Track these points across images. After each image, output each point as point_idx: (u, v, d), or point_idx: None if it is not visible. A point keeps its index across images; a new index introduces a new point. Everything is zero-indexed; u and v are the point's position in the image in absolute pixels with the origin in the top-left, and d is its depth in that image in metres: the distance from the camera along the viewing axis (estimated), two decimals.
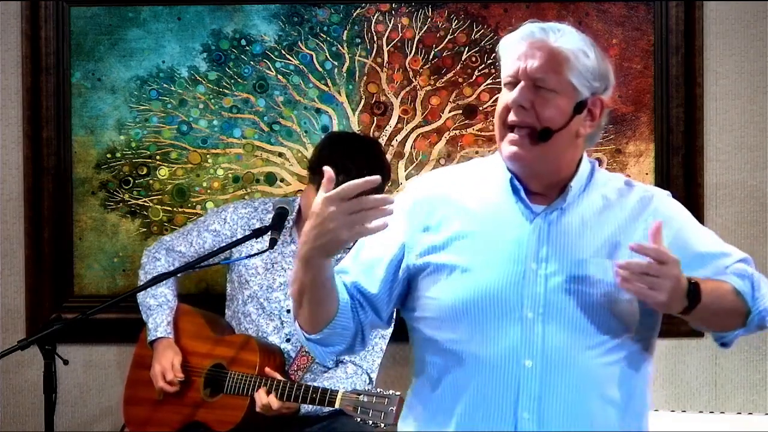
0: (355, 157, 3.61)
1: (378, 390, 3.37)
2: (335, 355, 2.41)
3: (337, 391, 3.46)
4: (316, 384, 3.65)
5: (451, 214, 2.39)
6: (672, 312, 2.28)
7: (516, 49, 2.37)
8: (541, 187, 2.39)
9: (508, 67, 2.38)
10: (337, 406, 3.45)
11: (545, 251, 2.33)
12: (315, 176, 3.68)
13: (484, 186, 2.42)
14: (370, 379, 3.76)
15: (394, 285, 2.40)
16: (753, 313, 2.35)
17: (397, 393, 3.28)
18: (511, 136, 2.35)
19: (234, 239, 3.76)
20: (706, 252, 2.40)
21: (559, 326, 2.30)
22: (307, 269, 2.25)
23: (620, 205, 2.41)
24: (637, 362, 2.37)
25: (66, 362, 3.44)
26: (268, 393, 3.58)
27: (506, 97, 2.37)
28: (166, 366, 3.71)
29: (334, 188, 3.28)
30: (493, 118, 4.10)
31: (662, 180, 4.13)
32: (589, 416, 2.31)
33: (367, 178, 2.19)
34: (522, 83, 2.34)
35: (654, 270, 2.22)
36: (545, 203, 2.38)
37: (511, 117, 2.35)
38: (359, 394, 3.40)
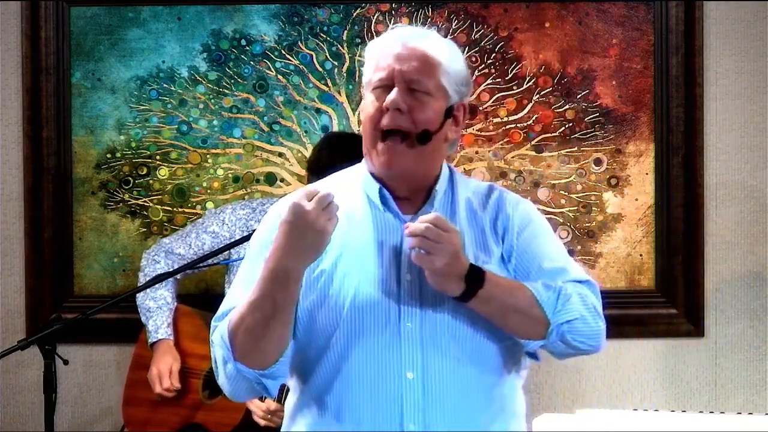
0: (354, 158, 3.60)
1: None
2: (280, 386, 2.35)
3: None
4: None
5: None
6: (451, 292, 2.26)
7: (388, 52, 2.36)
8: (408, 191, 2.38)
9: (378, 71, 2.36)
10: None
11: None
12: (313, 177, 3.68)
13: (349, 199, 2.39)
14: None
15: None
16: (552, 326, 2.31)
17: None
18: (383, 145, 2.33)
19: (233, 240, 3.76)
20: (545, 267, 2.38)
21: (437, 336, 2.30)
22: (287, 285, 2.22)
23: (482, 211, 2.41)
24: (509, 369, 2.38)
25: (66, 362, 3.44)
26: (263, 398, 3.58)
27: (377, 101, 2.34)
28: (164, 372, 3.71)
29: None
30: (492, 118, 4.12)
31: (662, 180, 4.13)
32: (473, 422, 2.31)
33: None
34: (397, 86, 2.32)
35: (432, 233, 2.22)
36: (412, 210, 2.38)
37: (386, 120, 2.32)
38: None
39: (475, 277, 2.26)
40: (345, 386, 2.30)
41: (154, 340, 3.78)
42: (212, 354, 2.35)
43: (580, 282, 2.39)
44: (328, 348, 2.31)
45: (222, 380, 2.34)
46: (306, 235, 2.20)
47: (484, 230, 2.39)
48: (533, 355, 2.41)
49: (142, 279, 3.85)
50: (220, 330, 2.31)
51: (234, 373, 2.29)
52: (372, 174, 2.40)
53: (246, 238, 3.69)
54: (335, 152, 3.66)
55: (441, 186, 2.40)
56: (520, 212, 2.42)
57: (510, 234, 2.39)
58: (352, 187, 2.42)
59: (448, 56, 2.36)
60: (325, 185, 2.41)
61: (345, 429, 2.30)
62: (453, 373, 2.30)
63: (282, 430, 2.44)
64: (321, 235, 2.20)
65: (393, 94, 2.32)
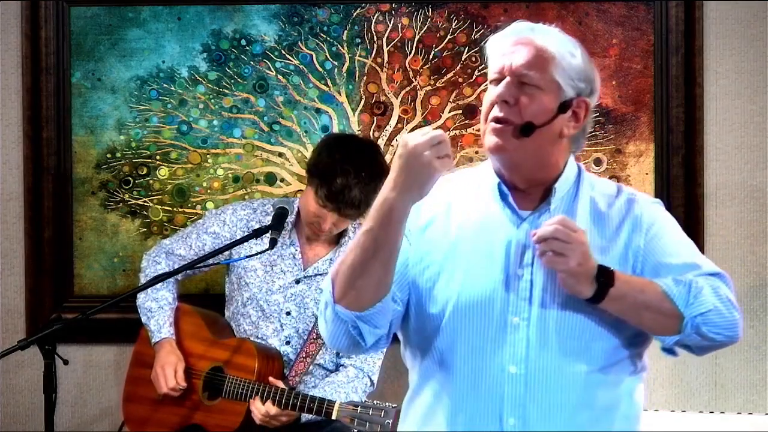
0: (354, 160, 3.61)
1: (375, 402, 3.37)
2: (376, 339, 2.35)
3: (335, 402, 3.46)
4: (317, 389, 3.64)
5: (440, 221, 2.39)
6: (583, 295, 2.26)
7: (502, 46, 2.38)
8: (525, 183, 2.38)
9: (494, 65, 2.38)
10: (334, 417, 3.45)
11: (531, 256, 2.32)
12: (313, 178, 3.68)
13: (470, 194, 2.42)
14: (372, 381, 3.75)
15: (405, 284, 2.38)
16: (686, 319, 2.31)
17: (394, 405, 3.29)
18: (492, 125, 2.34)
19: (233, 240, 3.76)
20: (674, 263, 2.37)
21: (545, 332, 2.30)
22: (389, 221, 2.22)
23: (608, 211, 2.41)
24: (623, 370, 2.37)
25: (66, 362, 3.44)
26: (264, 401, 3.57)
27: (491, 93, 2.37)
28: (169, 372, 3.71)
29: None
30: None
31: (662, 180, 4.13)
32: (575, 422, 2.31)
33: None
34: (507, 79, 2.34)
35: (561, 234, 2.23)
36: (531, 207, 2.38)
37: (495, 112, 2.34)
38: (356, 406, 3.40)
39: (604, 276, 2.26)
40: (450, 377, 2.33)
41: (158, 339, 3.77)
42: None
43: (711, 275, 2.38)
44: (437, 338, 2.34)
45: (321, 326, 2.36)
46: (412, 168, 2.19)
47: (606, 230, 2.38)
48: (671, 351, 2.39)
49: (143, 280, 3.83)
50: (326, 277, 2.34)
51: (332, 316, 2.31)
52: (495, 171, 2.41)
53: (246, 238, 3.69)
54: (335, 154, 3.66)
55: (562, 184, 2.39)
56: (648, 212, 2.42)
57: (638, 234, 2.38)
58: (477, 182, 2.44)
59: (564, 51, 2.36)
60: (451, 178, 2.45)
61: (447, 419, 2.33)
62: (557, 369, 2.30)
63: (403, 413, 2.46)
64: (427, 170, 2.19)
65: (501, 87, 2.34)
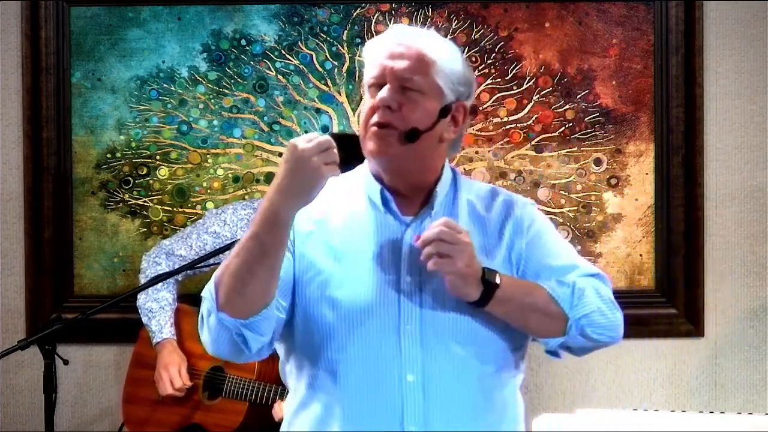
0: (354, 158, 3.59)
1: None
2: (260, 347, 2.30)
3: None
4: None
5: (324, 228, 2.36)
6: (470, 297, 2.26)
7: (383, 51, 2.35)
8: (407, 187, 2.37)
9: (372, 69, 2.35)
10: None
11: (418, 262, 2.29)
12: None
13: (352, 200, 2.40)
14: None
15: (289, 291, 2.34)
16: (571, 320, 2.32)
17: None
18: (374, 130, 2.31)
19: (234, 240, 3.76)
20: (555, 265, 2.38)
21: (438, 338, 2.29)
22: (275, 226, 2.18)
23: (487, 214, 2.40)
24: (510, 371, 2.38)
25: (66, 362, 3.44)
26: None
27: (369, 99, 2.34)
28: (174, 372, 3.71)
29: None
30: (492, 118, 4.12)
31: (662, 180, 4.13)
32: (476, 425, 2.30)
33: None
34: (389, 84, 2.31)
35: (447, 235, 2.22)
36: (412, 211, 2.37)
37: (376, 118, 2.31)
38: None
39: (490, 278, 2.26)
40: (344, 388, 2.29)
41: (159, 340, 3.77)
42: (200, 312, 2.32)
43: (591, 275, 2.40)
44: (327, 348, 2.30)
45: (204, 335, 2.32)
46: (299, 173, 2.17)
47: (486, 232, 2.38)
48: (555, 354, 2.40)
49: (143, 281, 3.84)
50: (208, 285, 2.29)
51: (215, 323, 2.26)
52: (374, 176, 2.39)
53: None
54: (340, 153, 3.65)
55: (442, 187, 2.39)
56: (526, 214, 2.42)
57: (519, 237, 2.38)
58: (354, 188, 2.42)
59: (445, 55, 2.34)
60: (330, 184, 2.40)
61: (345, 430, 2.29)
62: (454, 375, 2.29)
63: (282, 430, 2.43)
64: (314, 175, 2.17)
65: (383, 92, 2.31)
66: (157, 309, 3.79)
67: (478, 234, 2.37)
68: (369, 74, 2.36)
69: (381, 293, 2.30)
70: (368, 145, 2.33)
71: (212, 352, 2.33)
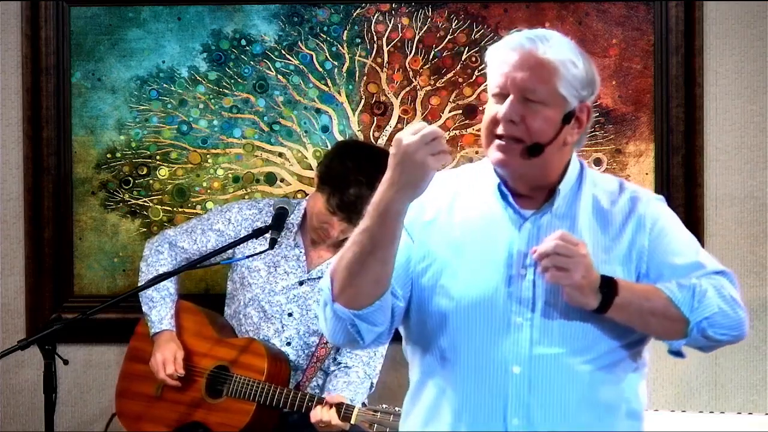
0: (367, 169, 3.56)
1: (396, 408, 3.36)
2: (375, 336, 2.33)
3: (353, 407, 3.46)
4: (336, 391, 3.63)
5: (444, 218, 2.38)
6: (588, 306, 2.26)
7: (504, 59, 2.34)
8: (528, 189, 2.38)
9: (495, 79, 2.34)
10: (352, 421, 3.44)
11: (533, 257, 2.30)
12: (324, 186, 3.64)
13: (473, 192, 2.41)
14: (373, 384, 3.76)
15: (407, 280, 2.37)
16: (691, 323, 2.32)
17: None
18: (499, 142, 2.32)
19: (236, 240, 3.75)
20: (678, 263, 2.37)
21: (548, 332, 2.30)
22: (386, 219, 2.20)
23: (611, 209, 2.40)
24: (624, 368, 2.36)
25: (66, 362, 3.44)
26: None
27: (494, 109, 2.34)
28: (168, 358, 3.70)
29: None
30: None
31: (662, 180, 4.13)
32: (579, 421, 2.31)
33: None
34: (511, 96, 2.31)
35: (562, 249, 2.22)
36: (534, 207, 2.37)
37: (500, 131, 2.32)
38: (376, 412, 3.40)
39: (608, 286, 2.26)
40: (453, 376, 2.32)
41: (158, 330, 3.77)
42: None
43: (716, 273, 2.39)
44: (439, 337, 2.33)
45: (321, 324, 2.36)
46: (405, 167, 2.17)
47: (608, 227, 2.37)
48: (678, 353, 2.39)
49: (144, 268, 3.84)
50: (325, 275, 2.32)
51: (331, 314, 2.30)
52: (495, 171, 2.39)
53: (247, 238, 3.69)
54: (347, 162, 3.63)
55: (565, 185, 2.38)
56: (650, 210, 2.41)
57: (641, 233, 2.37)
58: (478, 179, 2.42)
59: (566, 61, 2.33)
60: (451, 174, 2.44)
61: (450, 418, 2.31)
62: (560, 369, 2.29)
63: (404, 411, 2.45)
64: (420, 169, 2.16)
65: (506, 106, 2.31)
66: (158, 299, 3.78)
67: (600, 229, 2.37)
68: (492, 82, 2.35)
69: (494, 286, 2.31)
70: (492, 155, 2.34)
71: (330, 341, 2.37)
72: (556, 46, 2.34)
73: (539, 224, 2.35)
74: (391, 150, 2.20)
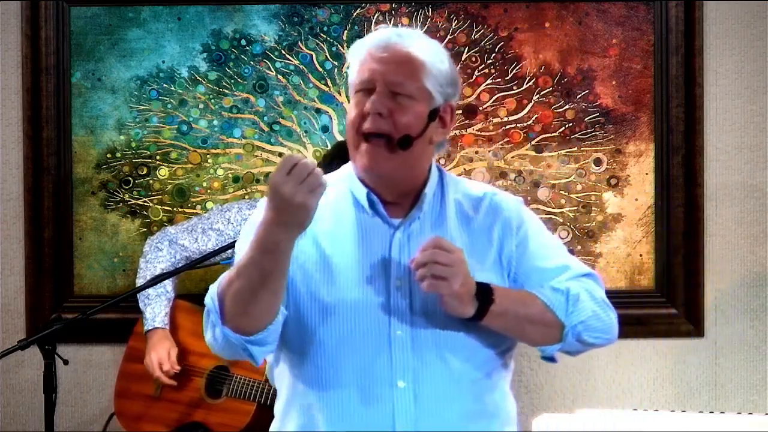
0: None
1: None
2: (267, 354, 2.31)
3: None
4: None
5: (310, 234, 2.31)
6: (465, 314, 2.24)
7: (370, 54, 2.33)
8: (396, 196, 2.35)
9: (361, 73, 2.33)
10: None
11: (407, 267, 2.27)
12: None
13: (338, 203, 2.37)
14: None
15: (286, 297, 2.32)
16: (567, 328, 2.31)
17: None
18: (366, 146, 2.29)
19: (236, 239, 3.75)
20: (545, 266, 2.36)
21: (428, 343, 2.27)
22: (275, 255, 2.15)
23: (475, 215, 2.38)
24: (500, 375, 2.36)
25: (66, 362, 3.44)
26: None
27: (360, 104, 2.32)
28: (163, 356, 3.71)
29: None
30: (492, 118, 4.12)
31: (662, 180, 4.13)
32: (467, 429, 2.29)
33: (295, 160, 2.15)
34: (378, 89, 2.30)
35: (443, 257, 2.20)
36: (401, 214, 2.34)
37: (367, 125, 2.29)
38: None
39: (484, 293, 2.25)
40: (335, 393, 2.28)
41: (151, 327, 3.77)
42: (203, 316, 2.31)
43: (583, 276, 2.38)
44: (316, 353, 2.29)
45: (209, 340, 2.31)
46: (287, 210, 2.13)
47: (475, 234, 2.36)
48: (551, 359, 2.39)
49: (143, 265, 3.84)
50: (210, 293, 2.28)
51: (221, 336, 2.26)
52: (360, 178, 2.36)
53: None
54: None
55: (430, 189, 2.36)
56: (515, 214, 2.40)
57: (509, 238, 2.36)
58: (341, 189, 2.39)
59: (433, 57, 2.32)
60: None
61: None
62: (445, 381, 2.28)
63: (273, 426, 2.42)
64: (302, 211, 2.13)
65: (373, 99, 2.29)
66: (154, 296, 3.79)
67: (468, 236, 2.35)
68: (357, 78, 2.34)
69: (370, 298, 2.28)
70: (359, 160, 2.31)
71: (218, 354, 2.33)
72: (422, 43, 2.33)
73: (409, 232, 2.33)
74: (268, 193, 2.15)
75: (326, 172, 3.59)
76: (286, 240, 2.17)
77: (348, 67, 4.11)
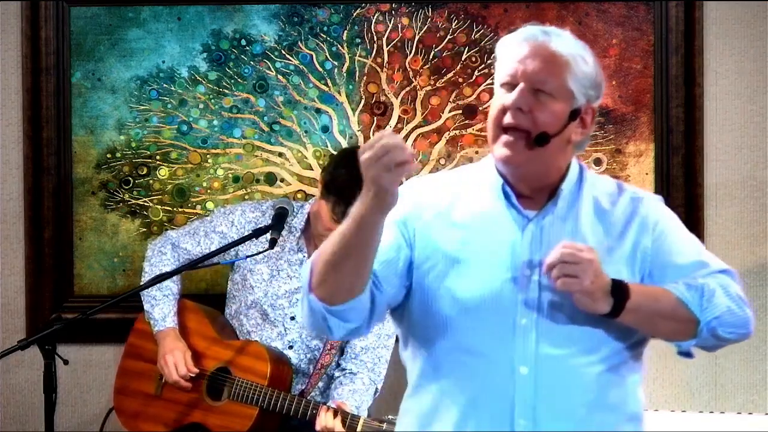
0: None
1: None
2: (347, 332, 2.34)
3: (359, 417, 3.45)
4: (340, 396, 3.63)
5: (445, 220, 2.37)
6: (600, 310, 2.26)
7: (516, 50, 2.35)
8: (530, 190, 2.37)
9: (506, 68, 2.36)
10: (358, 431, 3.43)
11: (538, 257, 2.31)
12: (330, 195, 3.60)
13: (475, 191, 2.40)
14: (377, 390, 3.75)
15: (400, 273, 2.35)
16: (701, 323, 2.32)
17: None
18: (505, 137, 2.32)
19: (237, 240, 3.74)
20: (682, 263, 2.37)
21: (553, 333, 2.29)
22: (360, 229, 2.19)
23: (611, 210, 2.40)
24: (628, 369, 2.36)
25: (66, 362, 3.44)
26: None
27: (502, 98, 2.34)
28: (179, 359, 3.69)
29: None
30: None
31: (662, 180, 4.13)
32: (586, 422, 2.30)
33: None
34: (521, 85, 2.32)
35: (569, 256, 2.22)
36: (536, 208, 2.37)
37: (508, 119, 2.32)
38: (382, 422, 3.39)
39: (619, 289, 2.26)
40: (456, 376, 2.31)
41: (162, 328, 3.75)
42: None
43: (720, 272, 2.39)
44: (443, 337, 2.32)
45: (299, 310, 2.39)
46: (366, 183, 2.17)
47: (610, 229, 2.37)
48: (688, 354, 2.40)
49: (147, 269, 3.82)
50: (306, 263, 2.33)
51: (306, 304, 2.30)
52: (498, 170, 2.39)
53: (246, 238, 3.69)
54: (354, 170, 3.59)
55: (567, 185, 2.38)
56: (652, 211, 2.41)
57: (645, 235, 2.37)
58: (480, 179, 2.41)
59: (577, 57, 2.34)
60: (454, 174, 2.44)
61: (455, 419, 2.30)
62: (566, 370, 2.29)
63: (400, 414, 2.43)
64: (376, 185, 2.16)
65: (515, 94, 2.31)
66: (161, 297, 3.78)
67: (603, 230, 2.37)
68: (502, 72, 2.36)
69: (498, 287, 2.30)
70: (497, 151, 2.33)
71: (306, 326, 2.37)
72: (568, 42, 2.36)
73: (542, 225, 2.35)
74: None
75: (333, 178, 3.61)
76: (369, 215, 2.19)
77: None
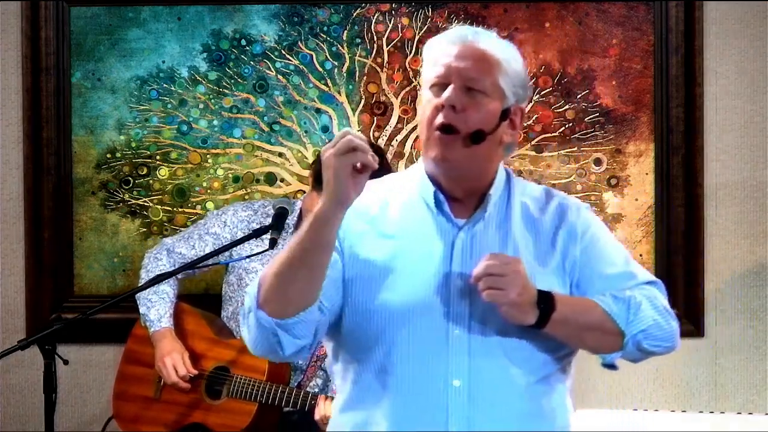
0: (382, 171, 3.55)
1: None
2: (297, 349, 2.30)
3: None
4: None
5: (375, 229, 2.34)
6: (527, 322, 2.24)
7: (446, 50, 2.34)
8: (462, 192, 2.35)
9: (436, 69, 2.34)
10: None
11: (469, 267, 2.28)
12: (319, 185, 3.61)
13: (405, 200, 2.38)
14: None
15: (338, 287, 2.32)
16: (627, 336, 2.31)
17: None
18: (439, 135, 2.30)
19: (233, 242, 3.74)
20: (609, 273, 2.36)
21: (486, 343, 2.28)
22: (316, 227, 2.18)
23: (541, 218, 2.38)
24: (556, 379, 2.36)
25: (66, 362, 3.43)
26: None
27: (432, 98, 2.33)
28: (177, 360, 3.69)
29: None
30: None
31: (662, 180, 4.14)
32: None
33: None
34: (453, 84, 2.30)
35: (495, 268, 2.21)
36: (466, 214, 2.35)
37: (440, 118, 2.30)
38: None
39: (545, 301, 2.25)
40: (390, 389, 2.29)
41: (158, 328, 3.76)
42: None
43: (647, 283, 2.39)
44: (375, 349, 2.30)
45: (244, 332, 2.32)
46: (326, 179, 2.17)
47: (540, 236, 2.36)
48: (612, 366, 2.39)
49: (144, 276, 3.83)
50: (253, 282, 2.29)
51: (254, 321, 2.27)
52: (429, 176, 2.37)
53: (246, 238, 3.69)
54: None
55: (496, 190, 2.37)
56: (581, 219, 2.40)
57: (573, 244, 2.36)
58: (409, 188, 2.40)
59: (508, 56, 2.34)
60: (382, 184, 2.42)
61: (390, 431, 2.28)
62: (500, 382, 2.28)
63: (328, 429, 2.42)
64: (336, 182, 2.15)
65: (448, 92, 2.30)
66: (156, 300, 3.78)
67: (533, 239, 2.36)
68: (432, 73, 2.35)
69: (430, 297, 2.29)
70: (431, 150, 2.32)
71: (251, 350, 2.34)
72: (498, 42, 2.35)
73: (473, 233, 2.33)
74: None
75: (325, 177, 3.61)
76: (326, 212, 2.18)
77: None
